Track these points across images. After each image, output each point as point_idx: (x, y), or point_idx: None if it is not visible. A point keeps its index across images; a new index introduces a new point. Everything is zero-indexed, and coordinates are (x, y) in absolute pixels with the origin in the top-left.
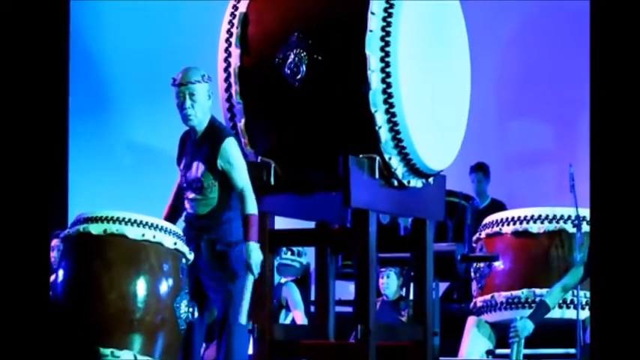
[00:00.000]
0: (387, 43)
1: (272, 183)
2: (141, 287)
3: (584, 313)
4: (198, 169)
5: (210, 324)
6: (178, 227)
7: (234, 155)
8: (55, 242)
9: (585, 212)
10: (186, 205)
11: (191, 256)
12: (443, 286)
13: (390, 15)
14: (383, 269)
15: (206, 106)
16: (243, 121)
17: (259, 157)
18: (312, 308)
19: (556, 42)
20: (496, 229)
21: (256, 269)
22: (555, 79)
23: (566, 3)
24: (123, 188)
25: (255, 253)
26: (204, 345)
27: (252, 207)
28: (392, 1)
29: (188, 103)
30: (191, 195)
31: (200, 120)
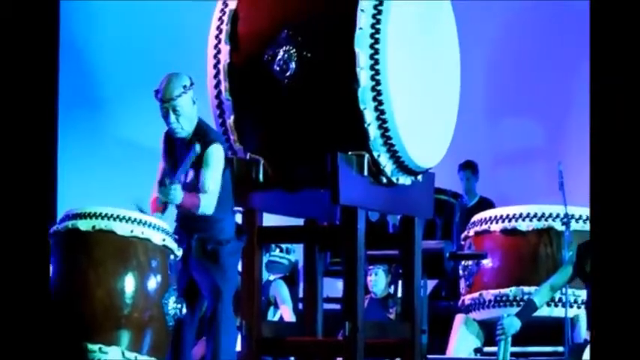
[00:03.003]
0: (377, 41)
1: (261, 180)
2: (129, 283)
3: (573, 312)
4: (188, 175)
5: (200, 320)
6: (170, 226)
7: (214, 160)
8: None
9: (574, 210)
10: (177, 206)
11: (179, 253)
12: (431, 283)
13: (379, 12)
14: (371, 267)
15: (191, 113)
16: (232, 117)
17: (248, 154)
18: (301, 305)
19: (545, 40)
20: (485, 227)
21: (166, 197)
22: (544, 78)
23: (554, 1)
24: (112, 183)
25: (177, 193)
26: None
27: (205, 201)
28: None
29: (172, 117)
30: None
31: (187, 129)
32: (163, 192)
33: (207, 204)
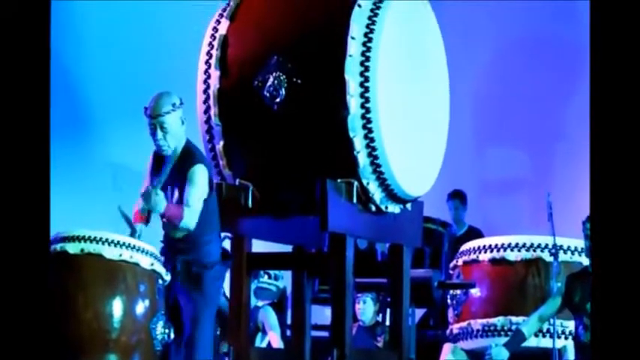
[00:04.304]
0: (367, 68)
1: (250, 206)
2: (117, 307)
3: (560, 342)
4: (174, 194)
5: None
6: (155, 247)
7: (198, 178)
8: None
9: (562, 241)
10: (164, 227)
11: (168, 277)
12: (419, 312)
13: (370, 40)
14: (359, 294)
15: (179, 133)
16: (221, 143)
17: (237, 180)
18: (289, 332)
19: (533, 71)
20: (473, 256)
21: (148, 204)
22: (532, 108)
23: (543, 32)
24: (101, 206)
25: (160, 199)
26: None
27: (187, 215)
28: (372, 26)
29: (160, 134)
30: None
31: (174, 148)
32: (146, 198)
33: (189, 218)
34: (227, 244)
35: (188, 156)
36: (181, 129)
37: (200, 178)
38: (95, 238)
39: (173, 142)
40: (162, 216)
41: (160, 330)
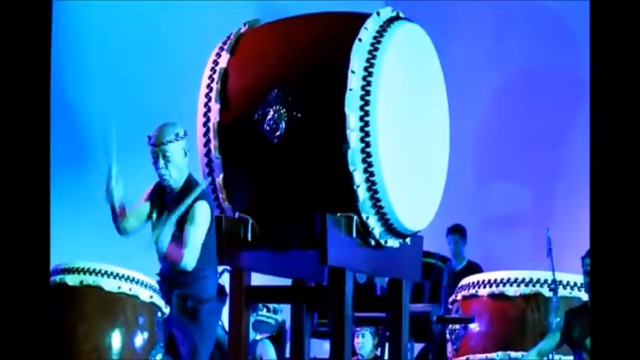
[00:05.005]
0: (367, 102)
1: (249, 239)
2: (116, 339)
3: None
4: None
5: None
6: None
7: (199, 217)
8: None
9: (562, 276)
10: (160, 261)
11: (167, 310)
12: (418, 346)
13: (370, 74)
14: (358, 328)
15: (181, 164)
16: (221, 176)
17: (237, 213)
18: None
19: (534, 106)
20: (472, 291)
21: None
22: (533, 143)
23: (544, 67)
24: (102, 240)
25: (164, 237)
26: None
27: (187, 257)
28: (372, 61)
29: (162, 163)
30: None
31: (175, 179)
32: (155, 234)
33: (189, 259)
34: (226, 278)
35: (189, 190)
36: (184, 160)
37: (201, 217)
38: (94, 270)
39: (175, 172)
40: (164, 257)
41: None
